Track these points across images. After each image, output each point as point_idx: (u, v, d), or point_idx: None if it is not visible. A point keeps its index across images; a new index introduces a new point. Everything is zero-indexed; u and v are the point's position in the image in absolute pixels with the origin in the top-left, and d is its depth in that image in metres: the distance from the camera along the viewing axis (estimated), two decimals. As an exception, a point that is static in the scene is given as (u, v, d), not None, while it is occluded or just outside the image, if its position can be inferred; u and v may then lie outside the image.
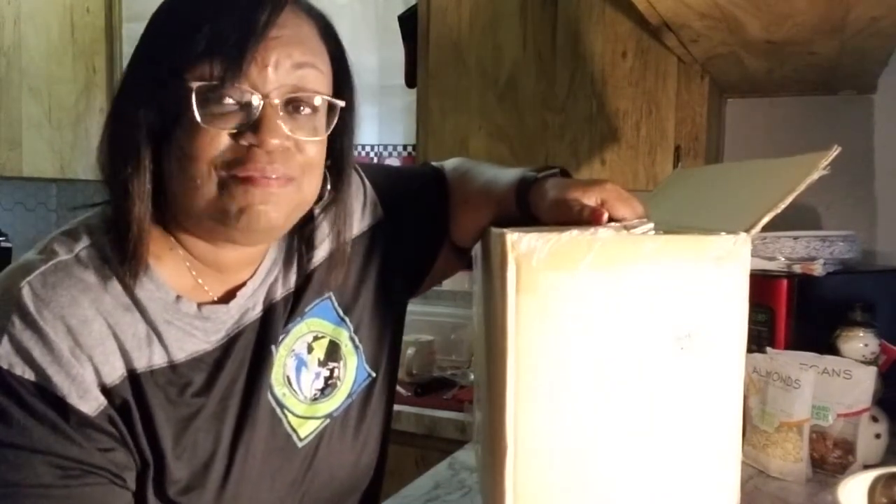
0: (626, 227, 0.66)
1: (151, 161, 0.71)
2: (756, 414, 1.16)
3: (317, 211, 0.84)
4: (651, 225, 0.67)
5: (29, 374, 0.68)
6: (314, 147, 0.74)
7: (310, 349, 0.86)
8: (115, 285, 0.73)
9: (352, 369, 0.89)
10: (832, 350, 1.25)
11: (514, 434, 0.64)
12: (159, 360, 0.74)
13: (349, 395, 0.88)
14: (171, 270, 0.76)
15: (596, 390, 0.64)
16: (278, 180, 0.70)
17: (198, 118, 0.67)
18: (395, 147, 2.41)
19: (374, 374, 0.91)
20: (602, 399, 0.64)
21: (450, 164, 1.03)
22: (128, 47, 2.37)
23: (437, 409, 1.87)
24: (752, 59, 1.50)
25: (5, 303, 0.69)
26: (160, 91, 0.69)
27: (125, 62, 0.75)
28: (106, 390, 0.71)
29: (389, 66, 2.30)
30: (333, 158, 0.79)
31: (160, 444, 0.73)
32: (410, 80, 2.04)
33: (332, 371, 0.87)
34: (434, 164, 1.05)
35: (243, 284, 0.81)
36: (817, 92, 1.85)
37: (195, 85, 0.67)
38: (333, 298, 0.88)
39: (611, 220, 0.71)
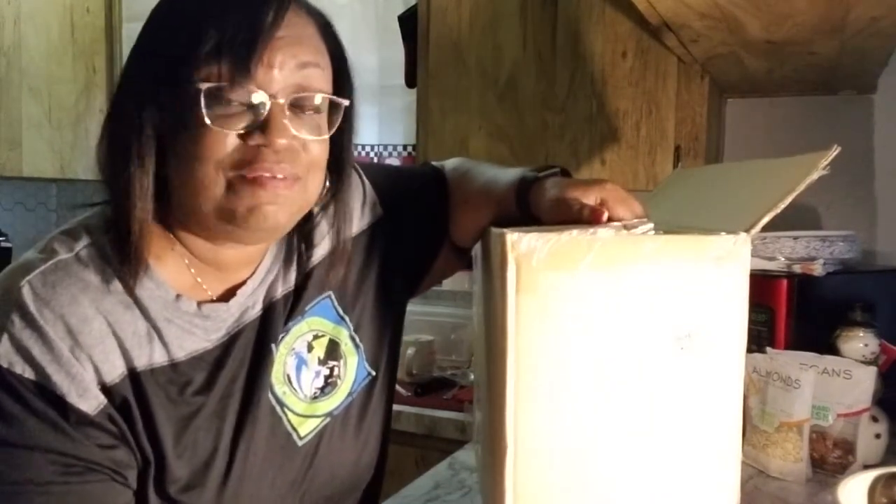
0: (626, 227, 0.66)
1: (154, 161, 0.70)
2: (756, 414, 1.16)
3: (316, 209, 0.84)
4: (651, 225, 0.67)
5: (28, 373, 0.68)
6: (318, 146, 0.74)
7: (310, 348, 0.86)
8: (116, 284, 0.73)
9: (352, 368, 0.89)
10: (832, 350, 1.25)
11: (514, 434, 0.64)
12: (160, 358, 0.74)
13: (350, 394, 0.88)
14: (170, 269, 0.76)
15: (596, 390, 0.64)
16: (285, 180, 0.71)
17: (206, 120, 0.67)
18: (395, 147, 2.41)
19: (374, 373, 0.91)
20: (602, 399, 0.65)
21: (450, 163, 1.03)
22: (128, 47, 2.34)
23: (437, 409, 1.87)
24: (752, 59, 1.50)
25: (5, 302, 0.69)
26: (164, 91, 0.69)
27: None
28: (106, 389, 0.71)
29: (389, 66, 2.30)
30: (334, 157, 0.79)
31: (161, 442, 0.73)
32: (410, 80, 2.04)
33: (331, 370, 0.87)
34: (434, 163, 1.05)
35: (243, 283, 0.81)
36: (817, 92, 1.85)
37: (204, 86, 0.67)
38: (333, 297, 0.88)
39: (610, 219, 0.71)
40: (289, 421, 0.83)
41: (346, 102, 0.76)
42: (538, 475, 0.65)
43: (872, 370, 1.14)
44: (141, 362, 0.73)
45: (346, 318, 0.89)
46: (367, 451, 0.91)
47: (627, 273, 0.63)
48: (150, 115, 0.69)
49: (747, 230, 0.65)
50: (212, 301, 0.79)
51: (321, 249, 0.87)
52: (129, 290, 0.73)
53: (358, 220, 0.92)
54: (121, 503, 0.72)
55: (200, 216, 0.72)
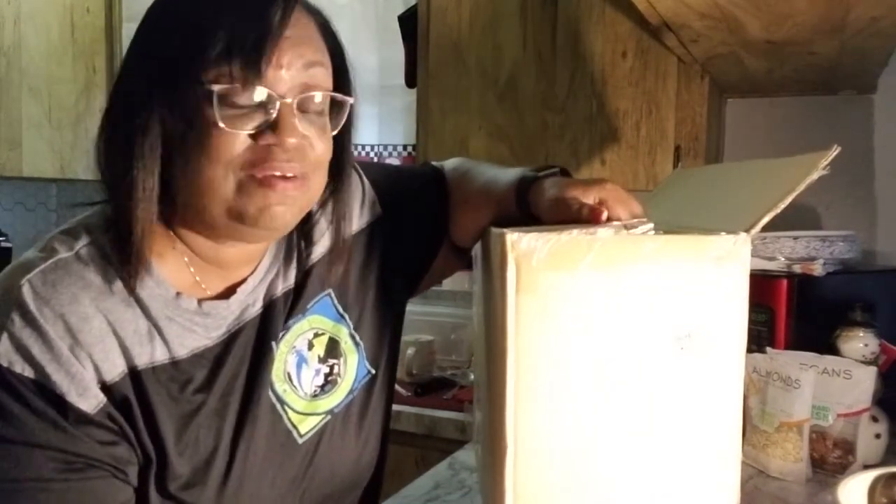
0: (627, 227, 0.66)
1: (160, 163, 0.70)
2: (756, 414, 1.16)
3: (315, 208, 0.85)
4: (651, 225, 0.67)
5: (28, 372, 0.68)
6: (324, 145, 0.75)
7: (310, 346, 0.86)
8: (116, 283, 0.73)
9: (352, 366, 0.89)
10: (832, 350, 1.25)
11: (514, 434, 0.64)
12: (161, 356, 0.74)
13: (351, 392, 0.89)
14: (170, 267, 0.76)
15: (596, 390, 0.64)
16: (294, 180, 0.71)
17: (219, 121, 0.67)
18: (395, 147, 2.41)
19: (373, 372, 0.91)
20: (602, 399, 0.64)
21: (450, 164, 1.04)
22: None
23: (437, 409, 1.87)
24: (752, 59, 1.50)
25: (6, 301, 0.70)
26: (170, 93, 0.68)
27: (125, 62, 0.74)
28: (106, 387, 0.71)
29: (389, 66, 2.30)
30: (334, 156, 0.79)
31: (162, 440, 0.73)
32: (410, 80, 2.04)
33: (331, 368, 0.87)
34: (434, 163, 1.05)
35: (243, 281, 0.81)
36: (817, 92, 1.85)
37: (216, 88, 0.67)
38: (333, 295, 0.88)
39: (609, 219, 0.71)
40: (289, 419, 0.83)
41: (351, 100, 0.77)
42: (538, 475, 0.65)
43: (872, 370, 1.14)
44: (142, 360, 0.73)
45: (346, 317, 0.89)
46: (367, 450, 0.91)
47: (627, 273, 0.63)
48: (154, 116, 0.69)
49: (747, 230, 0.65)
50: (212, 299, 0.79)
51: (320, 247, 0.87)
52: (130, 289, 0.73)
53: (357, 218, 0.92)
54: (121, 500, 0.73)
55: (207, 215, 0.72)
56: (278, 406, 0.82)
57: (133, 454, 0.73)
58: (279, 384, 0.82)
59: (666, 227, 0.68)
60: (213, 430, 0.77)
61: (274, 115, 0.69)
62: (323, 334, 0.87)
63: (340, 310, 0.89)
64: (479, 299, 0.85)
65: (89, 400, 0.70)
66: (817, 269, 1.36)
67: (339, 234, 0.85)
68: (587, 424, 0.65)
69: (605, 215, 0.71)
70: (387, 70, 2.33)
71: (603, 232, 0.64)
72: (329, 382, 0.87)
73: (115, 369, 0.72)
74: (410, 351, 2.10)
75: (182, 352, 0.76)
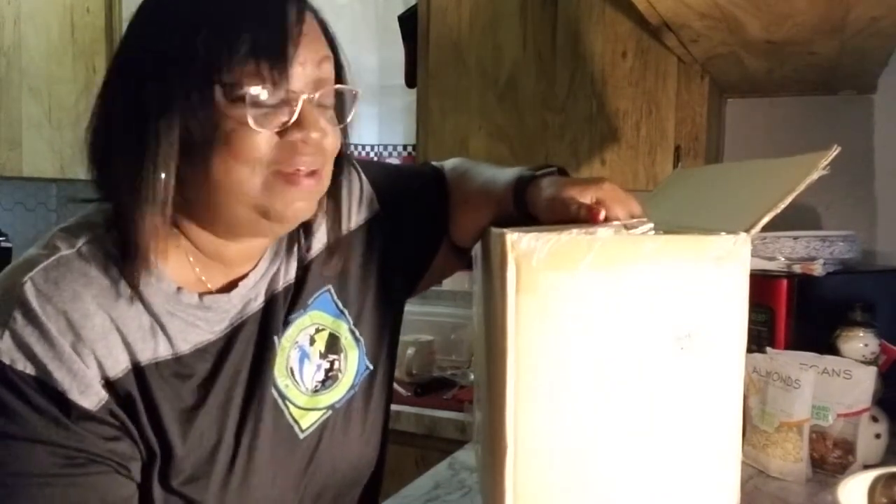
0: (626, 227, 0.66)
1: (176, 166, 0.69)
2: (756, 414, 1.16)
3: None
4: (651, 225, 0.67)
5: (30, 370, 0.68)
6: (335, 138, 0.76)
7: (312, 341, 0.86)
8: (118, 279, 0.73)
9: (353, 362, 0.89)
10: (832, 350, 1.25)
11: (514, 434, 0.64)
12: (164, 351, 0.75)
13: (352, 387, 0.89)
14: (173, 264, 0.76)
15: (596, 390, 0.64)
16: (314, 175, 0.73)
17: (251, 122, 0.68)
18: (395, 147, 2.41)
19: (372, 368, 0.91)
20: (602, 399, 0.65)
21: (449, 163, 1.04)
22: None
23: (437, 409, 1.87)
24: (752, 59, 1.50)
25: (8, 298, 0.70)
26: (191, 94, 0.67)
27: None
28: (109, 383, 0.71)
29: (389, 66, 2.30)
30: None
31: (165, 435, 0.74)
32: (410, 80, 2.04)
33: (332, 363, 0.87)
34: (434, 163, 1.06)
35: (245, 276, 0.81)
36: (817, 92, 1.85)
37: (248, 90, 0.67)
38: (333, 291, 0.89)
39: (608, 219, 0.71)
40: (290, 414, 0.83)
41: (359, 91, 0.78)
42: (538, 475, 0.65)
43: (872, 370, 1.14)
44: (145, 356, 0.73)
45: (346, 312, 0.89)
46: (367, 447, 0.91)
47: (627, 273, 0.63)
48: (173, 117, 0.68)
49: (747, 230, 0.65)
50: (213, 293, 0.79)
51: (319, 242, 0.87)
52: (132, 286, 0.73)
53: (355, 214, 0.92)
54: (124, 495, 0.73)
55: (228, 213, 0.72)
56: (280, 401, 0.83)
57: (136, 450, 0.73)
58: (281, 379, 0.83)
59: (666, 227, 0.68)
60: (216, 424, 0.77)
61: (297, 112, 0.70)
62: (323, 330, 0.87)
63: (340, 305, 0.89)
64: (479, 299, 0.85)
65: (90, 397, 0.70)
66: (817, 269, 1.36)
67: (336, 229, 0.86)
68: (587, 424, 0.65)
69: (602, 215, 0.71)
70: (387, 70, 2.33)
71: (603, 232, 0.64)
72: (329, 378, 0.87)
73: (118, 365, 0.72)
74: (410, 351, 2.10)
75: (185, 347, 0.76)
